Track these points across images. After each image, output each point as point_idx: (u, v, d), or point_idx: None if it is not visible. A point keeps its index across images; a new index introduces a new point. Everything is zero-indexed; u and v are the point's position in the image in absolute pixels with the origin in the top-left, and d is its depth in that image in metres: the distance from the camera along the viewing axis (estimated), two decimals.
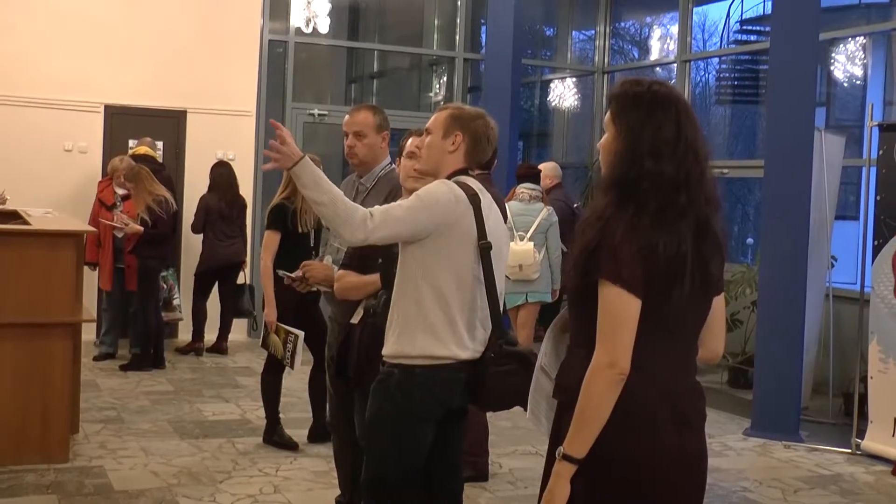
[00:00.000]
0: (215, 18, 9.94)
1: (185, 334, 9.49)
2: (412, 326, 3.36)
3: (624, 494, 2.51)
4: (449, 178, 3.45)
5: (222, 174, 9.23)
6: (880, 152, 6.82)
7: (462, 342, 3.37)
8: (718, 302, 2.67)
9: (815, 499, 5.77)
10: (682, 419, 2.55)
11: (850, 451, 6.72)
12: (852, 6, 11.84)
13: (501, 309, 3.52)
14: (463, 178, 3.45)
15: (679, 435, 2.53)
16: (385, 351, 3.44)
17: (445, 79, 12.12)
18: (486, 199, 3.45)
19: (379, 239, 3.33)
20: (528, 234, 7.58)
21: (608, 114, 2.62)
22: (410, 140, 4.05)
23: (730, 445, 6.85)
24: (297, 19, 10.62)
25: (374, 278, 3.93)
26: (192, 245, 9.53)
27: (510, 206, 7.49)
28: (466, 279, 3.37)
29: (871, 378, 6.70)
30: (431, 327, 3.35)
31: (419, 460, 3.44)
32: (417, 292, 3.35)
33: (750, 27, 12.84)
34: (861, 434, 6.73)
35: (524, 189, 7.75)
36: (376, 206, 3.32)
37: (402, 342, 3.38)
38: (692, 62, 11.54)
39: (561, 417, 2.61)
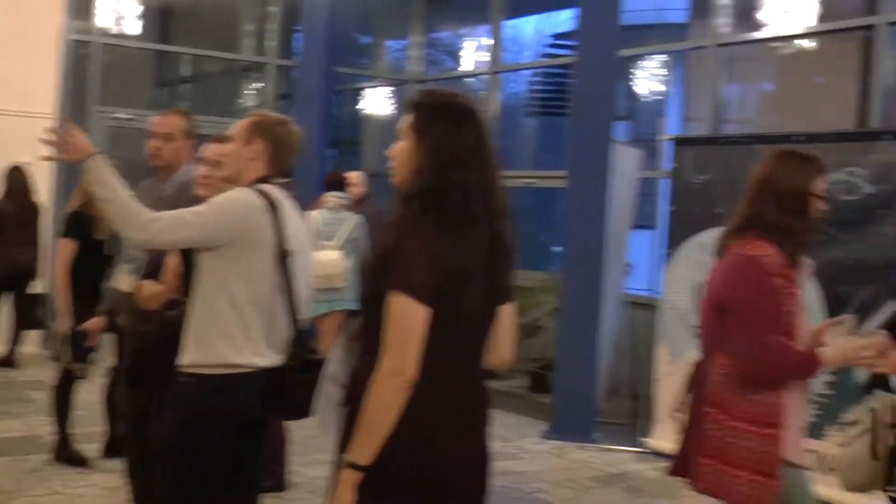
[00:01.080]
0: (10, 14, 9.50)
1: None
2: (209, 335, 3.31)
3: (407, 500, 2.52)
4: (250, 186, 3.42)
5: (17, 179, 8.85)
6: (674, 165, 7.14)
7: (259, 350, 3.34)
8: (507, 310, 2.71)
9: (604, 496, 5.98)
10: (466, 425, 2.59)
11: (638, 449, 7.01)
12: (653, 25, 12.31)
13: (307, 317, 3.51)
14: (263, 186, 3.41)
15: (463, 440, 2.57)
16: (181, 360, 3.36)
17: (258, 85, 12.01)
18: (288, 207, 3.44)
19: (164, 242, 3.29)
20: (336, 243, 7.56)
21: (407, 122, 2.61)
22: (210, 147, 4.00)
23: (527, 448, 7.02)
24: (103, 19, 10.32)
25: (171, 286, 3.86)
26: None
27: (318, 214, 7.47)
28: (265, 287, 3.34)
29: (659, 380, 7.02)
30: (228, 335, 3.30)
31: (217, 471, 3.38)
32: (215, 300, 3.31)
33: (560, 42, 13.22)
34: (648, 433, 7.05)
35: (332, 197, 7.73)
36: (168, 211, 3.27)
37: (199, 351, 3.32)
38: (504, 74, 11.80)
39: (348, 425, 2.61)
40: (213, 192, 3.47)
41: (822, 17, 8.06)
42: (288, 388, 3.36)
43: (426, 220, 2.48)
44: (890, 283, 5.73)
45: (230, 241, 3.29)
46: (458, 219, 2.49)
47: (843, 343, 3.19)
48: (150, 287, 3.97)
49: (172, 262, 3.80)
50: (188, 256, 3.52)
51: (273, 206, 3.35)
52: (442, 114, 2.58)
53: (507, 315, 2.72)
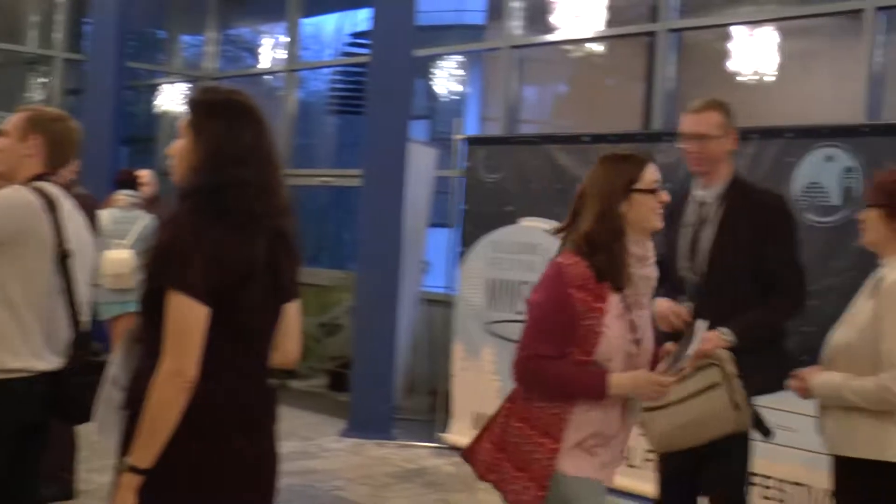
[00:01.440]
0: None
1: None
2: None
3: (192, 502, 2.49)
4: (27, 183, 3.28)
5: None
6: (467, 164, 7.27)
7: (39, 353, 3.23)
8: (293, 307, 2.70)
9: (401, 492, 6.03)
10: (252, 425, 2.56)
11: (435, 444, 7.11)
12: (453, 26, 12.51)
13: (98, 318, 3.40)
14: (40, 184, 3.29)
15: (248, 440, 2.55)
16: None
17: (45, 79, 11.52)
18: (67, 206, 3.32)
19: None
20: (127, 242, 7.33)
21: (186, 120, 2.58)
22: None
23: (326, 447, 7.01)
24: None
25: None
26: None
27: (108, 213, 7.21)
28: (43, 288, 3.23)
29: (455, 376, 7.14)
30: (5, 339, 3.18)
31: None
32: None
33: (359, 40, 13.24)
34: (446, 428, 7.16)
35: (123, 196, 7.49)
36: None
37: None
38: (305, 72, 11.74)
39: (129, 428, 2.53)
40: None
41: (610, 23, 8.38)
42: (69, 391, 3.27)
43: (202, 217, 2.45)
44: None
45: (7, 242, 3.17)
46: (235, 216, 2.46)
47: (636, 373, 2.99)
48: None
49: None
50: None
51: (51, 205, 3.24)
52: (218, 111, 2.56)
53: (292, 313, 2.71)
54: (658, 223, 3.03)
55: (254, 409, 2.59)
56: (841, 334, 3.29)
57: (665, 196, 3.02)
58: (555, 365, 2.95)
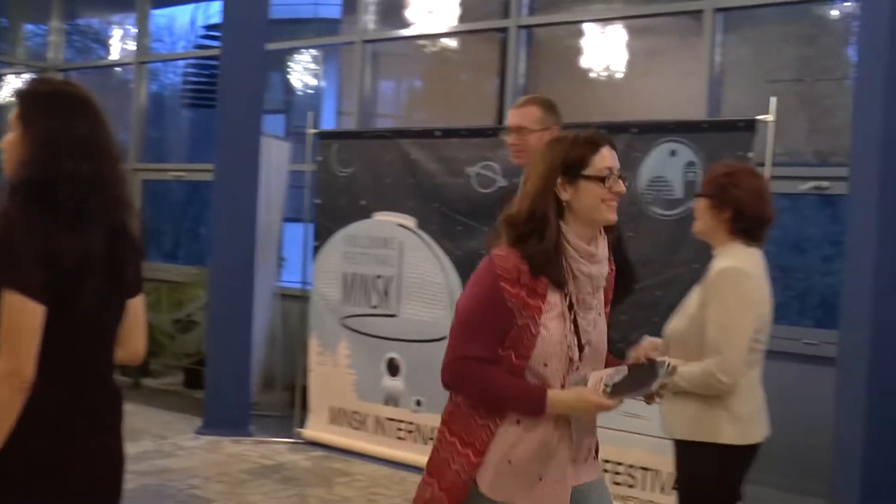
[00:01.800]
0: None
1: None
2: None
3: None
4: None
5: None
6: (319, 158, 7.25)
7: None
8: (137, 303, 2.66)
9: (258, 488, 5.99)
10: (97, 423, 2.52)
11: (293, 440, 7.09)
12: (307, 19, 12.43)
13: None
14: None
15: (94, 439, 2.50)
16: None
17: None
18: None
19: None
20: None
21: (15, 112, 2.51)
22: None
23: (182, 445, 6.90)
24: None
25: None
26: None
27: None
28: None
29: (311, 371, 7.13)
30: None
31: None
32: None
33: (212, 32, 13.03)
34: (303, 424, 7.15)
35: None
36: None
37: None
38: (156, 64, 11.51)
39: None
40: None
41: (463, 18, 8.48)
42: None
43: (34, 213, 2.40)
44: None
45: None
46: (69, 211, 2.41)
47: (580, 391, 2.64)
48: None
49: None
50: None
51: None
52: (48, 103, 2.51)
53: (137, 308, 2.67)
54: (608, 216, 2.68)
55: (98, 408, 2.55)
56: (675, 323, 3.45)
57: (621, 187, 2.69)
58: (487, 371, 2.64)
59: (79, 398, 2.48)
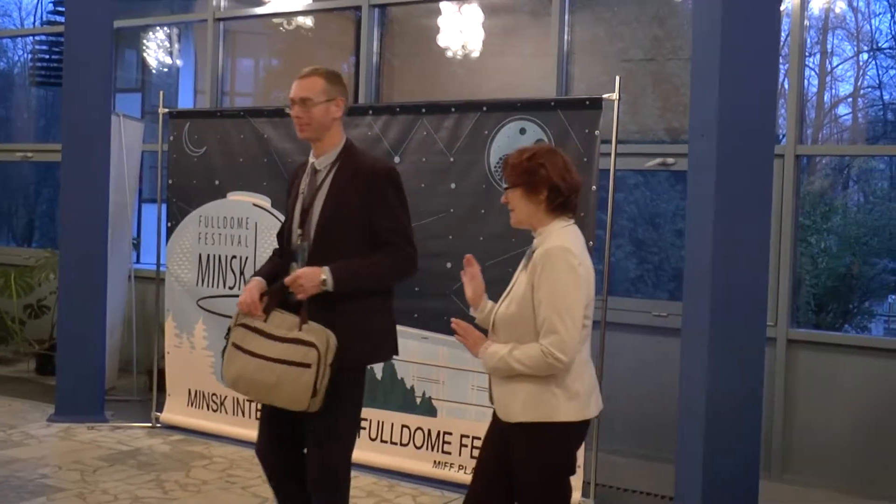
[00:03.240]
0: None
1: None
2: None
3: None
4: None
5: None
6: (171, 138, 7.14)
7: None
8: None
9: (114, 475, 5.89)
10: None
11: (150, 425, 7.00)
12: None
13: None
14: None
15: None
16: None
17: None
18: None
19: None
20: None
21: None
22: None
23: (32, 434, 6.74)
24: None
25: None
26: None
27: None
28: None
29: (168, 353, 7.04)
30: None
31: None
32: None
33: (61, 8, 12.63)
34: (161, 408, 7.05)
35: None
36: None
37: None
38: (2, 40, 11.10)
39: None
40: None
41: None
42: None
43: None
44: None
45: None
46: None
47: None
48: None
49: None
50: None
51: None
52: None
53: None
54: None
55: None
56: (504, 308, 3.49)
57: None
58: None
59: None
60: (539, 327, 3.33)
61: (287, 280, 3.83)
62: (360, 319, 3.89)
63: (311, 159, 4.05)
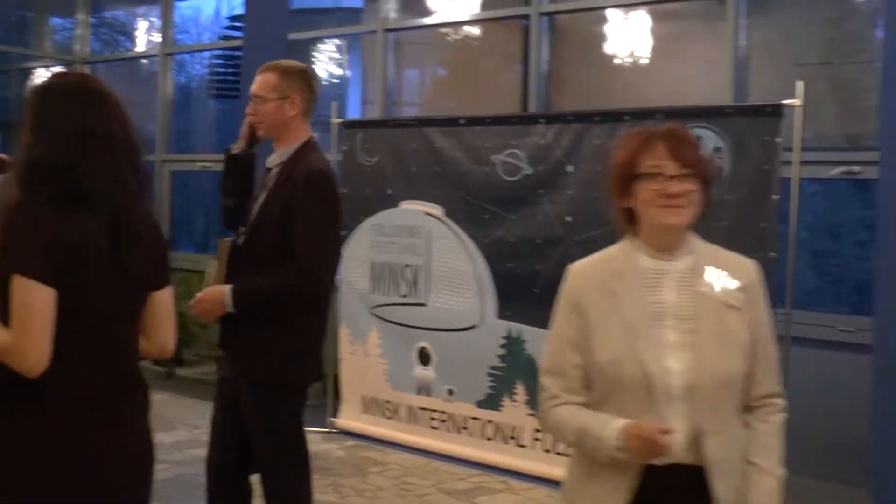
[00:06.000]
0: None
1: None
2: None
3: (45, 498, 2.45)
4: None
5: None
6: (344, 148, 7.29)
7: None
8: (162, 296, 2.69)
9: None
10: (113, 414, 2.54)
11: (326, 430, 7.15)
12: (327, 9, 12.45)
13: None
14: None
15: (114, 435, 2.53)
16: None
17: None
18: None
19: None
20: None
21: (28, 104, 2.59)
22: None
23: None
24: None
25: None
26: None
27: None
28: None
29: (343, 360, 7.18)
30: None
31: None
32: None
33: (236, 24, 13.06)
34: (336, 413, 7.21)
35: None
36: None
37: None
38: (182, 55, 11.54)
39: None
40: None
41: (485, 6, 8.48)
42: None
43: (38, 200, 2.45)
44: (550, 259, 6.13)
45: None
46: (60, 199, 2.46)
47: None
48: None
49: None
50: None
51: None
52: (45, 95, 2.57)
53: (162, 301, 2.71)
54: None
55: (114, 400, 2.56)
56: (718, 361, 2.55)
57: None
58: None
59: (86, 386, 2.50)
60: (759, 380, 2.56)
61: (191, 303, 3.75)
62: (270, 337, 3.70)
63: (269, 157, 3.90)
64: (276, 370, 3.73)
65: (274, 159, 3.85)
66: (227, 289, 3.68)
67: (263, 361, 3.72)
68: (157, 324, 2.70)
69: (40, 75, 12.08)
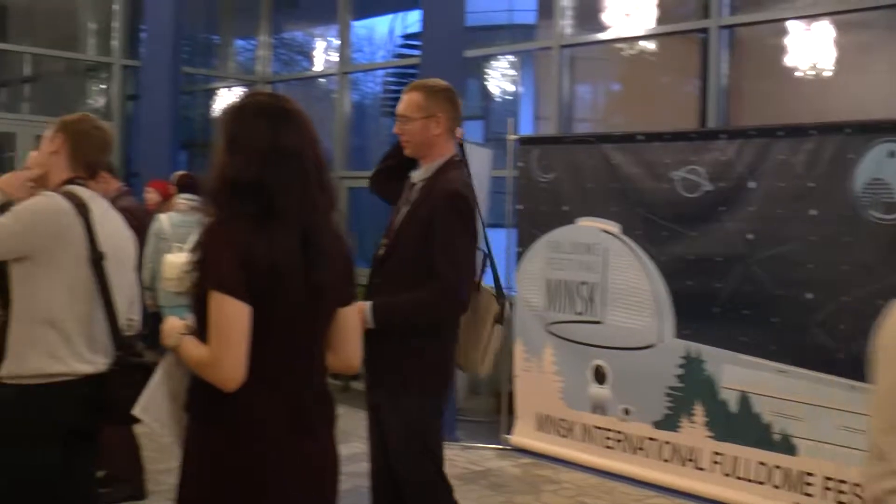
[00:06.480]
0: None
1: None
2: (25, 343, 3.23)
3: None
4: (58, 188, 3.34)
5: None
6: (520, 164, 7.29)
7: (82, 356, 3.26)
8: (349, 312, 2.74)
9: (467, 494, 6.04)
10: (303, 427, 2.59)
11: (500, 446, 7.14)
12: (504, 26, 12.52)
13: (133, 320, 3.45)
14: (70, 188, 3.34)
15: (300, 443, 2.58)
16: (1, 371, 3.27)
17: (104, 86, 11.70)
18: (99, 208, 3.38)
19: None
20: (187, 246, 7.43)
21: (220, 124, 2.66)
22: (31, 154, 3.94)
23: None
24: None
25: None
26: None
27: (169, 217, 7.37)
28: (80, 292, 3.27)
29: (517, 377, 7.17)
30: (45, 344, 3.22)
31: (46, 483, 3.27)
32: (29, 308, 3.23)
33: (411, 42, 13.28)
34: (510, 430, 7.19)
35: (183, 200, 7.61)
36: None
37: (16, 360, 3.24)
38: (358, 74, 11.81)
39: (194, 432, 2.61)
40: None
41: (661, 20, 8.36)
42: (115, 393, 3.26)
43: (231, 216, 2.52)
44: (730, 277, 5.98)
45: (37, 249, 3.22)
46: (254, 215, 2.52)
47: None
48: None
49: None
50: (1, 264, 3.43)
51: (81, 208, 3.28)
52: (237, 112, 2.64)
53: (349, 317, 2.75)
54: None
55: (305, 412, 2.61)
56: None
57: None
58: None
59: (284, 403, 2.56)
60: None
61: None
62: (407, 350, 3.76)
63: (413, 173, 3.95)
64: (412, 383, 3.81)
65: (418, 175, 3.91)
66: (367, 305, 3.75)
67: (399, 375, 3.80)
68: (343, 339, 2.74)
69: (223, 96, 12.56)
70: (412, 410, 3.83)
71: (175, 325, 2.65)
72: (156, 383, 2.71)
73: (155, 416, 2.72)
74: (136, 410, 2.72)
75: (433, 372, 3.84)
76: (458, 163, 3.94)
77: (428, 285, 3.68)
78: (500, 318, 3.99)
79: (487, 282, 4.12)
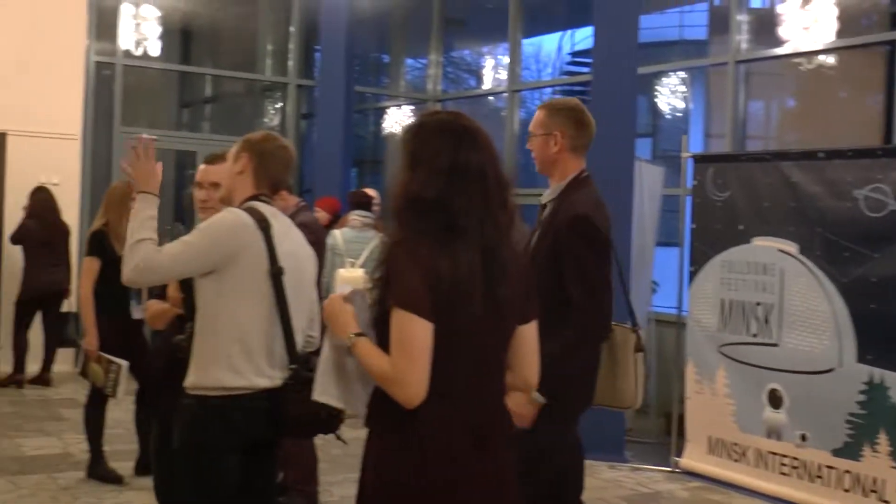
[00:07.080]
0: (37, 37, 9.60)
1: (5, 366, 9.09)
2: (208, 356, 3.32)
3: None
4: (241, 204, 3.41)
5: (41, 199, 8.94)
6: (694, 182, 7.15)
7: (261, 370, 3.31)
8: (528, 330, 2.71)
9: None
10: (483, 445, 2.57)
11: (669, 469, 7.00)
12: (674, 42, 12.37)
13: (310, 334, 3.51)
14: (252, 204, 3.41)
15: (480, 462, 2.56)
16: (186, 382, 3.37)
17: (279, 105, 12.08)
18: (281, 224, 3.43)
19: (153, 279, 3.40)
20: (360, 261, 7.58)
21: (402, 143, 2.69)
22: (202, 169, 4.06)
23: None
24: (125, 41, 10.45)
25: (176, 302, 4.01)
26: (13, 273, 9.17)
27: (342, 233, 7.53)
28: (261, 306, 3.32)
29: (688, 399, 7.01)
30: (227, 357, 3.28)
31: (224, 494, 3.34)
32: (213, 322, 3.32)
33: (580, 59, 13.25)
34: (680, 452, 7.04)
35: (356, 216, 7.76)
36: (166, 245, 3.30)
37: (199, 372, 3.33)
38: (525, 92, 11.84)
39: (373, 444, 2.63)
40: (212, 215, 3.48)
41: (842, 33, 8.07)
42: (291, 407, 3.31)
43: (414, 233, 2.53)
44: None
45: (222, 264, 3.28)
46: (437, 233, 2.52)
47: None
48: (154, 306, 4.09)
49: (171, 287, 3.98)
50: (186, 279, 3.55)
51: (263, 224, 3.34)
52: (418, 131, 2.66)
53: (528, 336, 2.73)
54: None
55: (487, 430, 2.60)
56: None
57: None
58: None
59: (466, 422, 2.55)
60: None
61: None
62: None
63: (545, 192, 3.89)
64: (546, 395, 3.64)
65: (547, 196, 3.88)
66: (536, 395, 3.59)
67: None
68: (522, 357, 2.72)
69: (393, 114, 12.79)
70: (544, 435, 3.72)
71: (336, 304, 2.66)
72: (323, 361, 2.73)
73: (333, 394, 2.73)
74: (315, 395, 2.75)
75: (567, 381, 3.67)
76: (585, 179, 3.87)
77: (569, 320, 3.57)
78: (639, 346, 3.90)
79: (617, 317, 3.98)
